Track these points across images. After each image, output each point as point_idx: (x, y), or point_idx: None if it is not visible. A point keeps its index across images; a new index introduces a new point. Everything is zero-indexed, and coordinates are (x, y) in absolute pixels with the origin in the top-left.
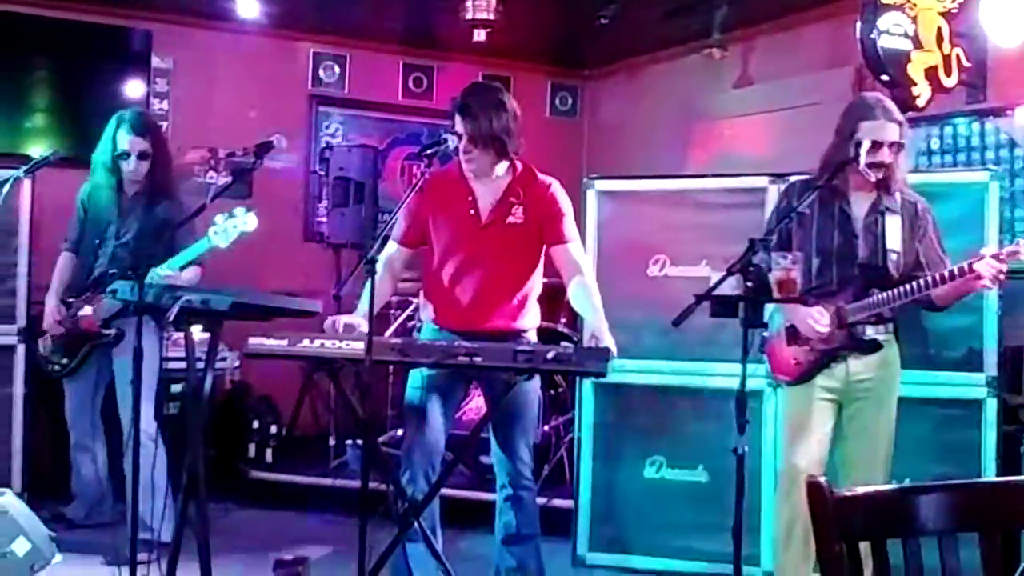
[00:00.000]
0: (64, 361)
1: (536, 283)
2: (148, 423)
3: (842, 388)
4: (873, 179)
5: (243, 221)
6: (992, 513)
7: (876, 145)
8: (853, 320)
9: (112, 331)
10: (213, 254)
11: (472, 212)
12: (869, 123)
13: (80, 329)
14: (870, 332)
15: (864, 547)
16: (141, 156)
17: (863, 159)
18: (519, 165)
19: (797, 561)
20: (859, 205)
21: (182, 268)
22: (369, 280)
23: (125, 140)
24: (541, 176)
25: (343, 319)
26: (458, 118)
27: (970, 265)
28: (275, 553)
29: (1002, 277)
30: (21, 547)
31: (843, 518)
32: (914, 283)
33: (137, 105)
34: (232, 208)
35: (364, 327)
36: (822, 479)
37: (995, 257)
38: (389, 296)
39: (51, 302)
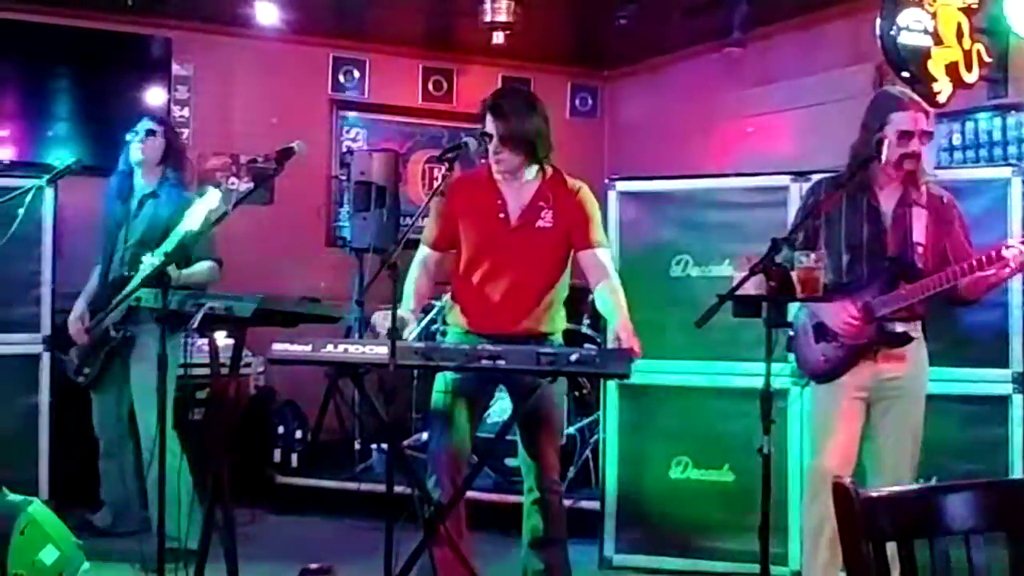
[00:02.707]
0: (87, 371)
1: (564, 286)
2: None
3: (871, 386)
4: (903, 171)
5: (209, 201)
6: (1021, 512)
7: (907, 134)
8: (881, 314)
9: (119, 335)
10: (236, 258)
11: (501, 215)
12: (899, 114)
13: (99, 336)
14: (899, 329)
15: (891, 548)
16: (149, 132)
17: (887, 154)
18: (548, 169)
19: (826, 562)
20: (887, 199)
21: (191, 262)
22: (408, 279)
23: (139, 124)
24: (570, 180)
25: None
26: (489, 118)
27: (998, 252)
28: (302, 560)
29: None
30: (49, 555)
31: (870, 519)
32: (941, 275)
33: (159, 112)
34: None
35: (412, 321)
36: (848, 480)
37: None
38: (429, 297)
39: (76, 309)
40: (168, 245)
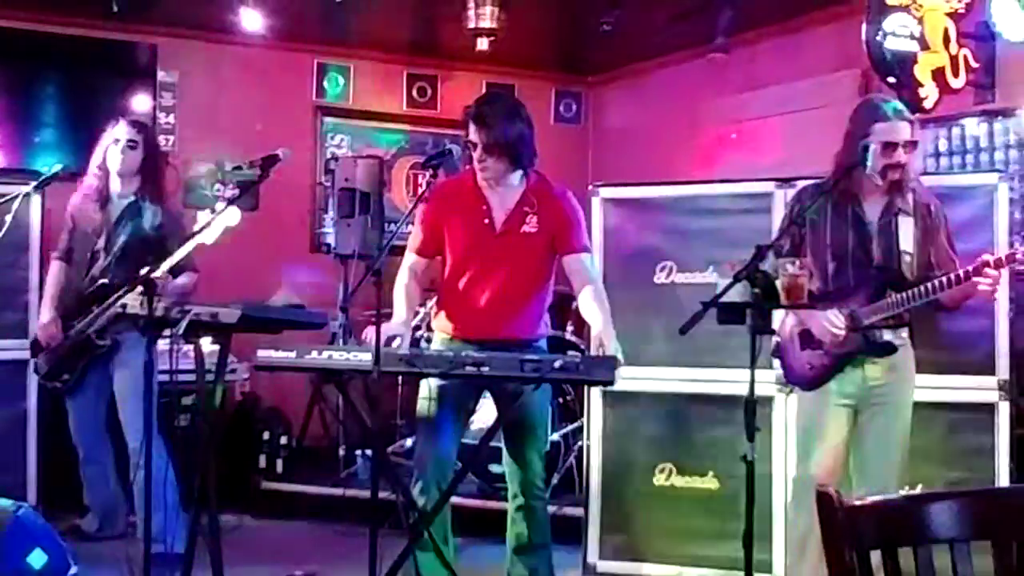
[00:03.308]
0: (64, 377)
1: (548, 292)
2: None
3: (857, 394)
4: (887, 181)
5: (227, 216)
6: (1006, 521)
7: (891, 146)
8: (868, 323)
9: (106, 342)
10: (221, 265)
11: (486, 221)
12: (882, 124)
13: (80, 344)
14: (886, 335)
15: (876, 556)
16: (130, 145)
17: (870, 163)
18: (533, 174)
19: (811, 570)
20: (872, 207)
21: (173, 273)
22: (398, 287)
23: (119, 130)
24: (555, 185)
25: (386, 329)
26: (472, 126)
27: (966, 273)
28: (287, 565)
29: (995, 287)
30: (37, 560)
31: (854, 528)
32: (927, 285)
33: (140, 118)
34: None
35: (407, 335)
36: (831, 489)
37: (996, 265)
38: (419, 304)
39: (46, 314)
40: (174, 260)
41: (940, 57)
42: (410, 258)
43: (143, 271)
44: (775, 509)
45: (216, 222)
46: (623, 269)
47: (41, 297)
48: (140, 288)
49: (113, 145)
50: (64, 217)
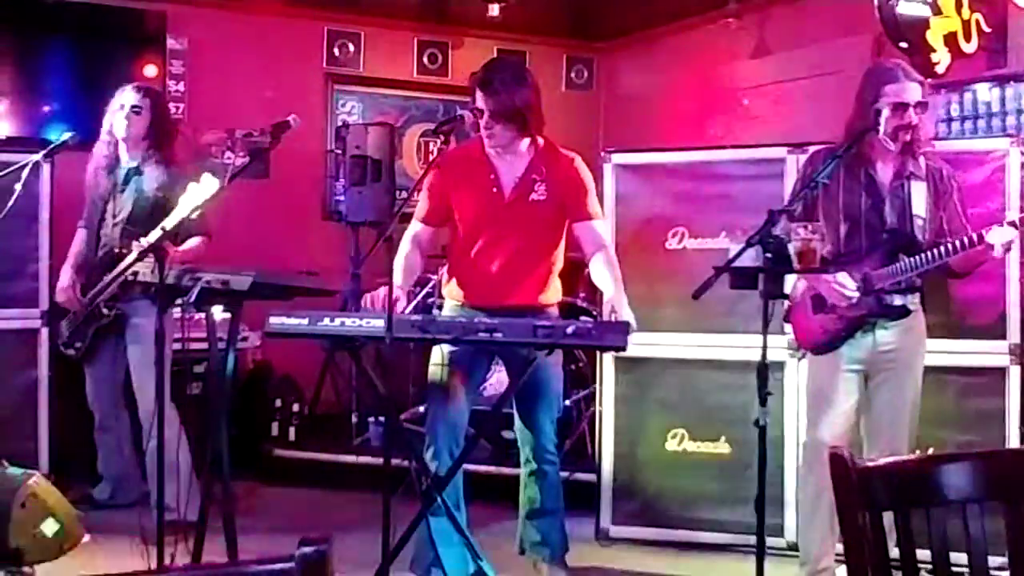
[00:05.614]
0: (77, 345)
1: (559, 258)
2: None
3: (868, 359)
4: (899, 143)
5: (205, 188)
6: (1017, 482)
7: (901, 107)
8: (880, 286)
9: (112, 312)
10: (232, 233)
11: (495, 189)
12: (892, 86)
13: (90, 312)
14: (897, 300)
15: (889, 517)
16: (134, 110)
17: (883, 126)
18: (541, 141)
19: (823, 533)
20: (885, 171)
21: (183, 238)
22: (399, 255)
23: (125, 96)
24: (563, 152)
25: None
26: (479, 93)
27: (979, 236)
28: (300, 531)
29: (1010, 247)
30: (50, 528)
31: (866, 489)
32: (938, 249)
33: (146, 84)
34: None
35: (402, 298)
36: (844, 451)
37: (1012, 224)
38: (419, 272)
39: (65, 276)
40: (167, 224)
41: (952, 22)
42: (415, 226)
43: (146, 239)
44: (787, 473)
45: (194, 193)
46: (635, 235)
47: (52, 267)
48: (150, 256)
49: (119, 111)
50: (85, 185)
